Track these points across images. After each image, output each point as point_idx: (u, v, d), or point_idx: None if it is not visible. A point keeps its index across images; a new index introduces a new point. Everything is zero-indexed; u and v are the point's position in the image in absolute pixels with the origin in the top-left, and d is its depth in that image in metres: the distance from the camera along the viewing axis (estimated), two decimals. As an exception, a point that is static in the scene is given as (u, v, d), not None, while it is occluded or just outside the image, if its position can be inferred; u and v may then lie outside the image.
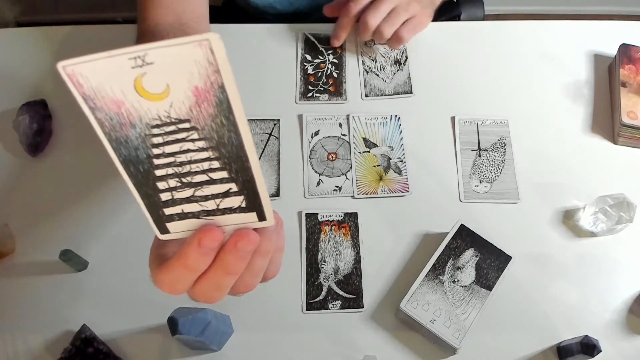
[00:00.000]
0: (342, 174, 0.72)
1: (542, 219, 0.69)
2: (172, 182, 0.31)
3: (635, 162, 0.73)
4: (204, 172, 0.31)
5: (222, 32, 0.25)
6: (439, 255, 0.63)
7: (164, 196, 0.32)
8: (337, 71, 0.79)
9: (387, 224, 0.69)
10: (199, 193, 0.32)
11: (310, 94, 0.77)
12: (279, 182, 0.71)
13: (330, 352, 0.62)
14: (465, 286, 0.61)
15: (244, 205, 0.32)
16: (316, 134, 0.75)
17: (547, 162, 0.73)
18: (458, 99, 0.77)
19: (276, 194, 0.70)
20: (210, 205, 0.32)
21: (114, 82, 0.27)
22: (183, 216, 0.33)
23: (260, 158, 0.73)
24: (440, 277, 0.62)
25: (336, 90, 0.78)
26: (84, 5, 1.72)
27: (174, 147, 0.30)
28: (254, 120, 0.75)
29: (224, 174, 0.31)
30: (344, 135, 0.74)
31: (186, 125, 0.29)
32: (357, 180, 0.71)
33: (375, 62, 0.80)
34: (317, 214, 0.69)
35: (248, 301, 0.64)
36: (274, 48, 0.81)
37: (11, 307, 0.64)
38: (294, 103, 0.77)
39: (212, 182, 0.31)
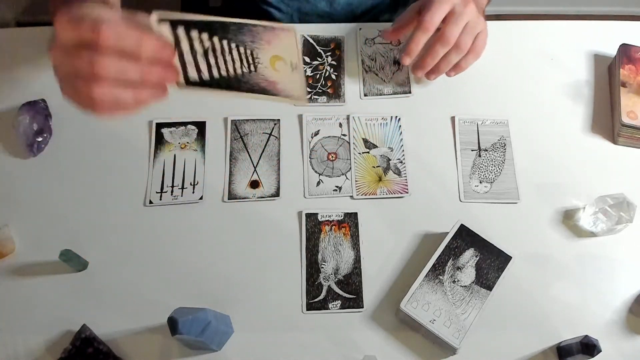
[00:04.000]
0: (342, 174, 0.72)
1: (542, 219, 0.69)
2: None
3: (635, 162, 0.73)
4: None
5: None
6: (439, 255, 0.63)
7: None
8: (336, 73, 0.79)
9: (387, 223, 0.69)
10: None
11: (308, 96, 0.77)
12: (279, 182, 0.71)
13: (330, 352, 0.62)
14: (465, 286, 0.61)
15: None
16: (316, 134, 0.75)
17: (547, 162, 0.73)
18: (458, 99, 0.77)
19: (276, 194, 0.70)
20: None
21: None
22: None
23: (260, 158, 0.73)
24: (440, 277, 0.62)
25: (334, 92, 0.78)
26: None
27: None
28: (254, 120, 0.75)
29: None
30: (344, 135, 0.74)
31: None
32: (356, 181, 0.71)
33: (375, 61, 0.80)
34: (317, 214, 0.69)
35: (248, 301, 0.64)
36: (274, 48, 0.81)
37: (11, 307, 0.64)
38: (292, 105, 0.77)
39: None
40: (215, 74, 0.51)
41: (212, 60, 0.50)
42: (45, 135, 0.72)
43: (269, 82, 0.53)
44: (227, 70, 0.51)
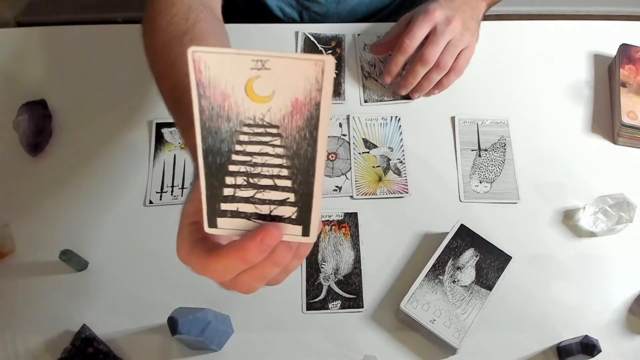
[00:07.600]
0: (342, 174, 0.72)
1: (542, 219, 0.69)
2: (240, 180, 0.33)
3: (635, 162, 0.73)
4: (271, 177, 0.33)
5: (222, 32, 0.25)
6: (439, 255, 0.63)
7: (227, 191, 0.33)
8: (336, 71, 0.79)
9: (387, 223, 0.69)
10: (259, 196, 0.33)
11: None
12: (279, 182, 0.71)
13: (330, 352, 0.62)
14: (465, 286, 0.61)
15: (294, 216, 0.34)
16: (316, 134, 0.74)
17: (547, 162, 0.73)
18: (458, 99, 0.77)
19: (276, 194, 0.70)
20: (264, 209, 0.34)
21: (230, 77, 0.29)
22: (235, 214, 0.34)
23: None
24: (440, 277, 0.62)
25: (334, 90, 0.78)
26: (84, 5, 1.72)
27: (255, 147, 0.32)
28: (254, 120, 0.75)
29: (288, 183, 0.33)
30: (344, 135, 0.74)
31: (274, 130, 0.31)
32: (356, 181, 0.71)
33: (375, 67, 0.80)
34: (317, 214, 0.69)
35: (248, 301, 0.64)
36: (274, 48, 0.81)
37: (11, 307, 0.64)
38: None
39: (274, 187, 0.33)
40: None
41: None
42: (45, 135, 0.72)
43: None
44: None
